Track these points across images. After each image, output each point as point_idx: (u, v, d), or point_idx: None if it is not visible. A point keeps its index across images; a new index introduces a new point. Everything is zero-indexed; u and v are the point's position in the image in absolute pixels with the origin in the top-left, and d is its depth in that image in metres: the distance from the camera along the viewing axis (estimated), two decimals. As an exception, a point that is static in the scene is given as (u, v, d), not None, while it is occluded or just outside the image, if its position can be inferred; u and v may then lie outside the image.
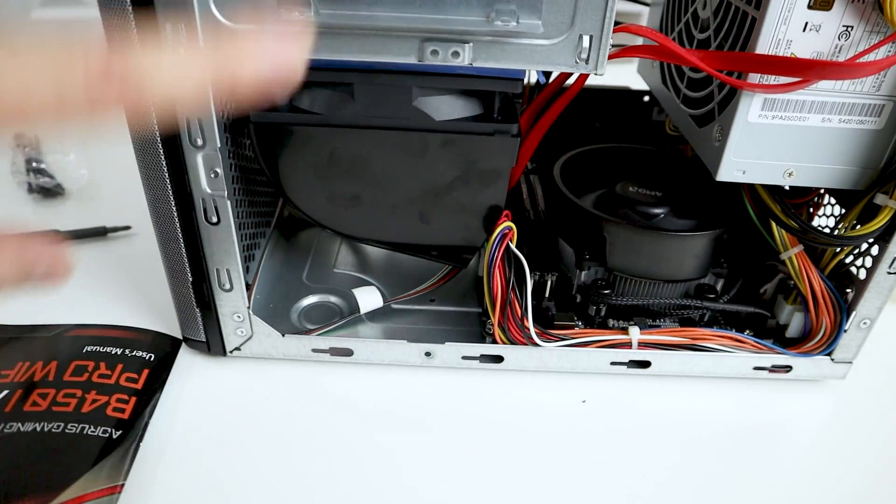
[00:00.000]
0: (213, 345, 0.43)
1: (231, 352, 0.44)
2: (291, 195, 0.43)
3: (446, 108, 0.40)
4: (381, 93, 0.39)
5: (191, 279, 0.41)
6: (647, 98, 0.60)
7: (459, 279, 0.49)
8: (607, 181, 0.48)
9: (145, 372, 0.41)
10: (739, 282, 0.46)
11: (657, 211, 0.45)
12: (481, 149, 0.41)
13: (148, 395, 0.40)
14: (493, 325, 0.42)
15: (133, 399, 0.39)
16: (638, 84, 0.57)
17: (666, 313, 0.46)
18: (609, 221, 0.44)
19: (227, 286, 0.41)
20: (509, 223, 0.42)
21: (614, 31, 0.40)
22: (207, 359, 0.44)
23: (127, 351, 0.42)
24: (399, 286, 0.49)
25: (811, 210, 0.46)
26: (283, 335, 0.43)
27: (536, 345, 0.42)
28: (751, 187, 0.43)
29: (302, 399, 0.43)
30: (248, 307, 0.42)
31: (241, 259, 0.40)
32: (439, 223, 0.43)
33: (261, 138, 0.40)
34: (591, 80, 0.54)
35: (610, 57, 0.40)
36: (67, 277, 0.24)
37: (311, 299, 0.49)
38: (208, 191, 0.38)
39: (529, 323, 0.41)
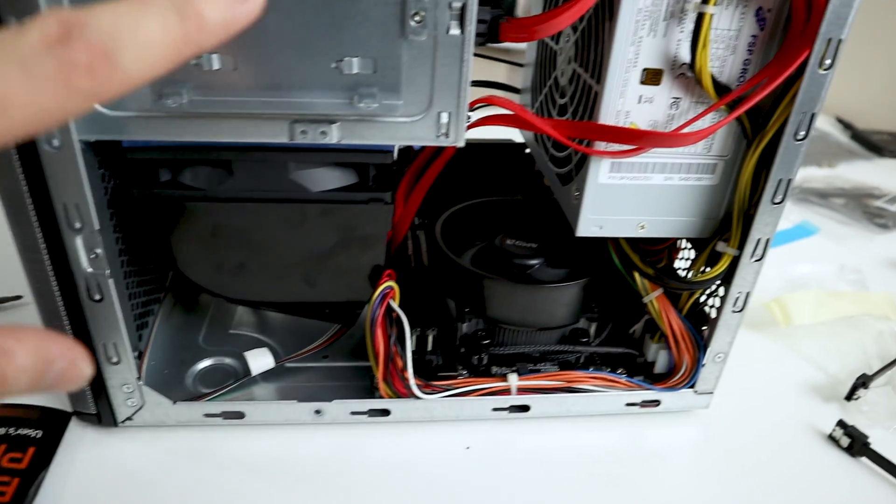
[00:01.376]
0: (103, 417, 0.44)
1: (122, 422, 0.44)
2: (180, 266, 0.44)
3: (322, 179, 0.43)
4: (259, 168, 0.41)
5: (76, 355, 0.41)
6: (528, 150, 0.64)
7: (352, 334, 0.51)
8: (488, 234, 0.51)
9: (31, 450, 0.41)
10: (610, 325, 0.50)
11: (532, 262, 0.49)
12: (357, 216, 0.43)
13: (33, 475, 0.40)
14: (377, 379, 0.44)
15: (16, 480, 0.39)
16: (520, 136, 0.60)
17: (546, 357, 0.49)
18: (485, 277, 0.47)
19: (115, 359, 0.42)
20: (390, 283, 0.45)
21: (475, 104, 0.44)
22: (99, 430, 0.45)
23: (11, 430, 0.42)
24: (297, 344, 0.51)
25: (671, 255, 0.50)
26: (175, 402, 0.44)
27: (418, 397, 0.44)
28: (614, 238, 0.47)
29: (196, 465, 0.43)
30: (138, 377, 0.43)
31: (126, 332, 0.41)
32: (324, 285, 0.45)
33: (146, 212, 0.42)
34: (475, 135, 0.57)
35: (471, 126, 0.44)
36: (83, 381, 0.22)
37: (206, 363, 0.50)
38: (90, 270, 0.39)
39: (410, 377, 0.43)
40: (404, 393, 0.44)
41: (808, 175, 0.90)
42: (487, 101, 0.42)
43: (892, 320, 0.61)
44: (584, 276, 0.47)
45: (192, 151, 0.40)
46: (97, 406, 0.44)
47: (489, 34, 0.39)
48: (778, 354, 0.57)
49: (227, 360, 0.50)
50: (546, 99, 0.50)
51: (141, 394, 0.43)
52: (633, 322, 0.50)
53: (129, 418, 0.44)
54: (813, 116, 0.39)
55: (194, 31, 0.20)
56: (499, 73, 0.58)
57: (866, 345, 0.57)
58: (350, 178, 0.43)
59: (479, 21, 0.39)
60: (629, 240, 0.46)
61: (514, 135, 0.62)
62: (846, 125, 1.11)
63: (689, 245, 0.50)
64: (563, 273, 0.49)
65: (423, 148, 0.49)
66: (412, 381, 0.44)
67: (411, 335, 0.45)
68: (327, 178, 0.43)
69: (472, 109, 0.44)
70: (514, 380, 0.46)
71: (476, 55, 0.55)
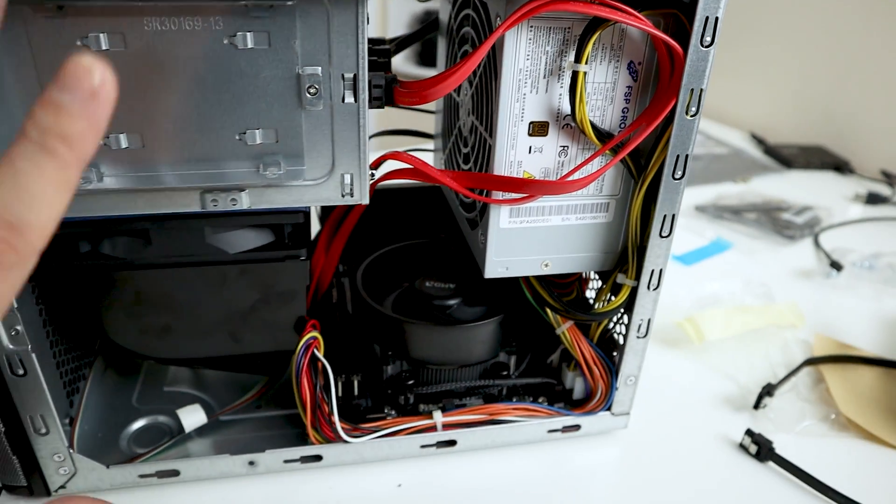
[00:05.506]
0: (35, 488, 0.44)
1: (56, 491, 0.45)
2: (107, 332, 0.45)
3: (239, 241, 0.44)
4: (175, 235, 0.43)
5: (2, 429, 0.42)
6: (450, 189, 0.66)
7: (285, 383, 0.53)
8: (408, 277, 0.54)
9: (-37, 527, 0.42)
10: (528, 356, 0.53)
11: (451, 302, 0.51)
12: (275, 274, 0.45)
13: (-34, 552, 0.41)
14: (307, 427, 0.46)
15: (-51, 559, 0.40)
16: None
17: (471, 392, 0.51)
18: (404, 322, 0.49)
19: (43, 430, 0.43)
20: (314, 333, 0.47)
21: (379, 161, 0.46)
22: (31, 502, 0.45)
23: (-58, 509, 0.43)
24: (233, 397, 0.52)
25: (581, 287, 0.53)
26: (108, 467, 0.45)
27: (345, 441, 0.46)
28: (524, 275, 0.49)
29: (132, 526, 0.45)
30: (68, 446, 0.44)
31: (53, 403, 0.42)
32: (249, 339, 0.47)
33: (68, 284, 0.43)
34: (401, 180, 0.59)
35: (377, 182, 0.46)
36: None
37: (140, 423, 0.51)
38: (11, 347, 0.40)
39: (336, 423, 0.45)
40: (333, 438, 0.46)
41: (723, 191, 0.96)
42: (391, 157, 0.45)
43: (797, 328, 0.65)
44: (499, 314, 0.50)
45: (109, 223, 0.42)
46: (28, 479, 0.44)
47: (385, 98, 0.42)
48: (692, 370, 0.60)
49: (161, 419, 0.51)
50: (453, 147, 0.53)
51: (73, 461, 0.44)
52: (551, 352, 0.53)
53: (62, 486, 0.45)
54: (687, 158, 0.42)
55: (68, 153, 0.21)
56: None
57: (772, 354, 0.61)
58: (266, 238, 0.45)
59: (375, 86, 0.42)
60: (539, 276, 0.49)
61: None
62: (759, 140, 1.17)
63: (597, 277, 0.53)
64: (480, 311, 0.51)
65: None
66: (339, 427, 0.45)
67: (336, 382, 0.48)
68: (244, 240, 0.45)
69: (377, 166, 0.46)
70: (438, 416, 0.48)
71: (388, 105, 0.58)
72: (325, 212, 0.54)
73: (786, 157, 1.07)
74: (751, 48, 1.22)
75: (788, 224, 0.84)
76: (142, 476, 0.46)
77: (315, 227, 0.54)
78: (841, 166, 1.06)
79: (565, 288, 0.51)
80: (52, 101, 0.21)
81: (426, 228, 0.62)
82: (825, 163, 1.06)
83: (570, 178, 0.42)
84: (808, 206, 0.90)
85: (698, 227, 0.85)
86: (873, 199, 0.95)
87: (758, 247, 0.81)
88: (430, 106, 0.61)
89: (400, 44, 0.52)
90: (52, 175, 0.21)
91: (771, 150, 1.11)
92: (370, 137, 0.56)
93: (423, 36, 0.53)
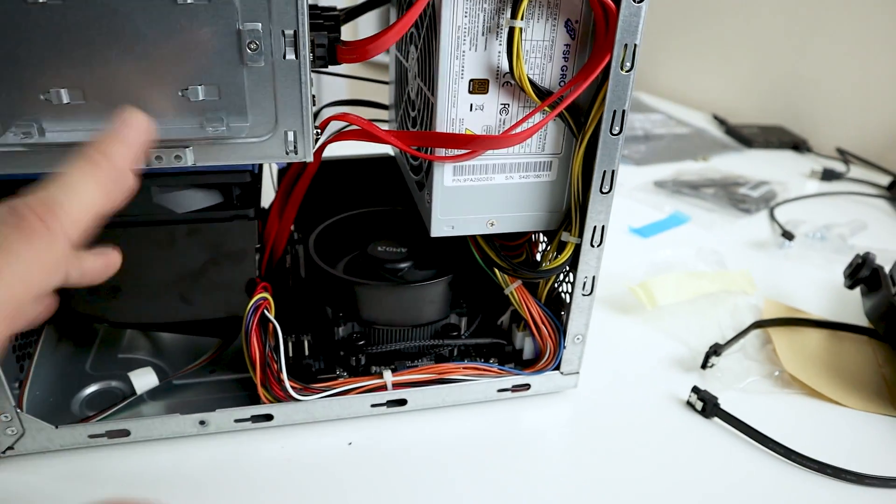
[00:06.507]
0: (-18, 448, 0.45)
1: (4, 452, 0.45)
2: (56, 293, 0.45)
3: (187, 200, 0.45)
4: (122, 194, 0.43)
5: (-52, 388, 0.42)
6: (408, 161, 0.67)
7: (239, 347, 0.53)
8: (362, 243, 0.54)
9: None
10: (479, 317, 0.54)
11: (402, 266, 0.52)
12: (224, 233, 0.46)
13: (-89, 509, 0.41)
14: (257, 386, 0.47)
15: None
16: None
17: (422, 353, 0.52)
18: (354, 283, 0.50)
19: (-11, 389, 0.43)
20: (264, 294, 0.47)
21: (327, 121, 0.47)
22: (-20, 462, 0.46)
23: None
24: (188, 363, 0.52)
25: (531, 249, 0.54)
26: (57, 427, 0.45)
27: (295, 399, 0.47)
28: (474, 237, 0.50)
29: (83, 487, 0.45)
30: (14, 405, 0.44)
31: None
32: (200, 301, 0.48)
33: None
34: (357, 150, 0.60)
35: (328, 142, 0.47)
36: None
37: (92, 388, 0.51)
38: (-46, 304, 0.40)
39: (285, 380, 0.46)
40: (283, 397, 0.47)
41: (683, 168, 0.97)
42: (337, 118, 0.46)
43: (749, 294, 0.67)
44: (447, 274, 0.51)
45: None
46: (-26, 438, 0.45)
47: (328, 57, 0.43)
48: (644, 334, 0.62)
49: (114, 384, 0.51)
50: (404, 113, 0.54)
51: (21, 421, 0.44)
52: (501, 314, 0.54)
53: (10, 447, 0.45)
54: (624, 113, 0.43)
55: (104, 161, 0.31)
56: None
57: (722, 318, 0.62)
58: (215, 198, 0.46)
59: (319, 45, 0.42)
60: (487, 238, 0.50)
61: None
62: (721, 121, 1.19)
63: (545, 239, 0.54)
64: (430, 273, 0.52)
65: (289, 165, 0.52)
66: (288, 384, 0.46)
67: (286, 342, 0.48)
68: (192, 200, 0.45)
69: (324, 127, 0.47)
70: (388, 376, 0.49)
71: (346, 76, 0.59)
72: (281, 180, 0.55)
73: (746, 137, 1.09)
74: (713, 33, 1.25)
75: (745, 198, 0.86)
76: (91, 436, 0.46)
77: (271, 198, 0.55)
78: (799, 145, 1.08)
79: (515, 250, 0.52)
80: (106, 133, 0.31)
81: (381, 199, 0.63)
82: (784, 142, 1.09)
83: (512, 133, 0.43)
84: (765, 181, 0.92)
85: (657, 201, 0.86)
86: (828, 175, 0.97)
87: (715, 220, 0.82)
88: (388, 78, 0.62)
89: (350, 12, 0.53)
90: (88, 173, 0.30)
91: (732, 130, 1.14)
92: (326, 106, 0.58)
93: (374, 6, 0.54)
